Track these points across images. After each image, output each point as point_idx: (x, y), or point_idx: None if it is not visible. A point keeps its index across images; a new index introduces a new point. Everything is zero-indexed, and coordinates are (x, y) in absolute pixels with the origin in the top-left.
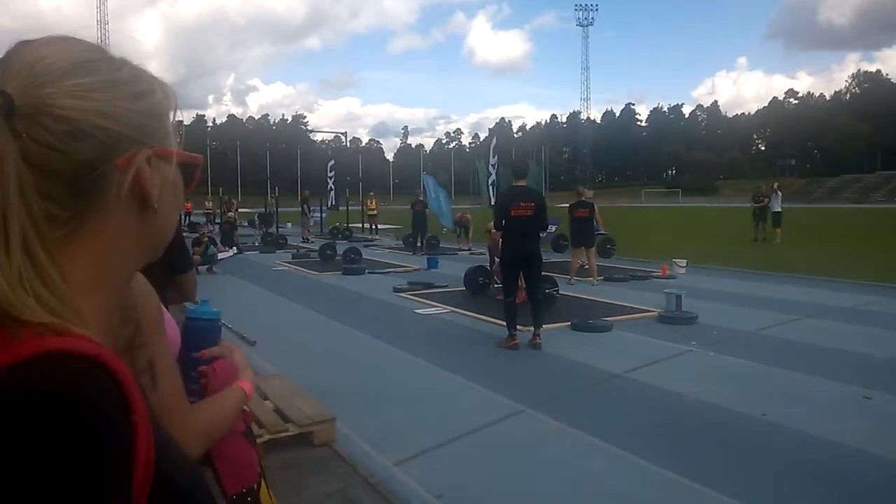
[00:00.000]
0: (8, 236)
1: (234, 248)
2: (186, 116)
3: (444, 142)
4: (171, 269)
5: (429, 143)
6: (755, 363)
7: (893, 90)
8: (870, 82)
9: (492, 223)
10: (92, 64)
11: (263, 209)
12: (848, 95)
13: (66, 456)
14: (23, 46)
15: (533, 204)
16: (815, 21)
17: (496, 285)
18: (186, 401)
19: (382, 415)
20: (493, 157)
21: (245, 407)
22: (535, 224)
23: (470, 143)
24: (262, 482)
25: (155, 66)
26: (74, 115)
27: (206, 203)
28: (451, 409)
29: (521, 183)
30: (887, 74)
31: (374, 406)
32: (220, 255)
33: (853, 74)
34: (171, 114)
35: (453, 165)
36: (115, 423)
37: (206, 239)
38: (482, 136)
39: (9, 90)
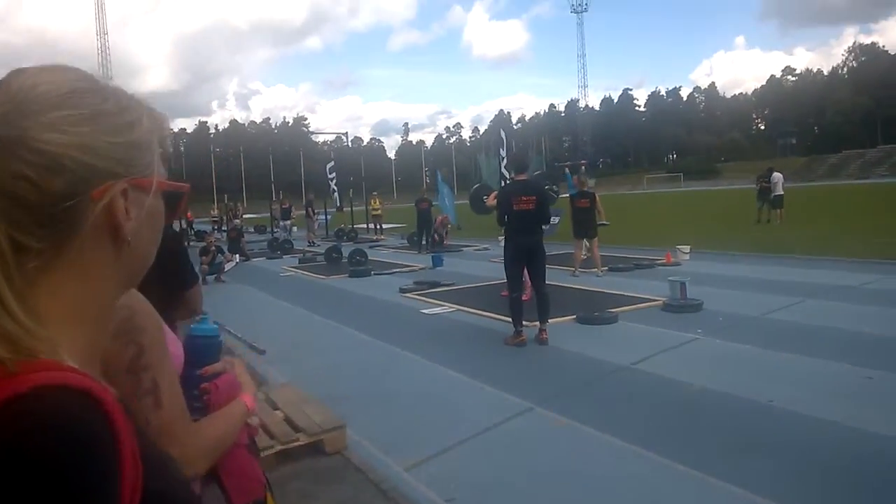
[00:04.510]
0: None
1: (238, 255)
2: (189, 124)
3: (444, 137)
4: (178, 285)
5: (430, 139)
6: (760, 348)
7: (891, 61)
8: (867, 55)
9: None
10: (77, 96)
11: (271, 211)
12: (846, 69)
13: (54, 489)
14: (14, 75)
15: (534, 198)
16: None
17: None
18: (189, 418)
19: (392, 419)
20: (503, 150)
21: (250, 419)
22: (537, 218)
23: (470, 137)
24: (269, 494)
25: (158, 75)
26: (54, 148)
27: (212, 211)
28: (459, 410)
29: (522, 177)
30: (884, 46)
31: (383, 410)
32: (227, 265)
33: (850, 48)
34: (160, 141)
35: (455, 160)
36: (102, 450)
37: (214, 248)
38: (482, 129)
39: None
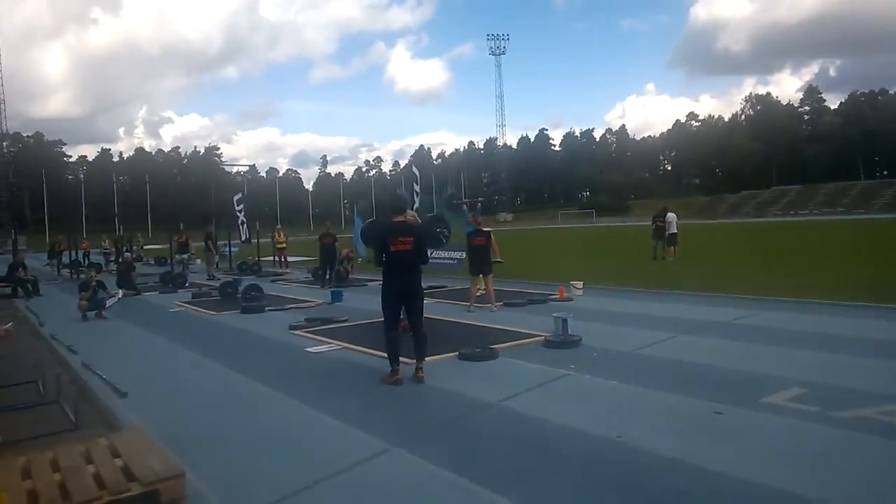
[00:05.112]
0: None
1: (122, 290)
2: (91, 151)
3: (364, 170)
4: None
5: (350, 172)
6: (624, 384)
7: (783, 111)
8: (762, 104)
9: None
10: None
11: (170, 244)
12: (743, 117)
13: None
14: None
15: (411, 238)
16: (714, 48)
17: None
18: None
19: (244, 463)
20: (417, 185)
21: None
22: (414, 259)
23: (391, 171)
24: None
25: (60, 100)
26: None
27: (103, 243)
28: (315, 452)
29: (400, 218)
30: (777, 97)
31: (237, 454)
32: (108, 301)
33: (746, 97)
34: None
35: (374, 192)
36: None
37: (95, 283)
38: (402, 163)
39: None
